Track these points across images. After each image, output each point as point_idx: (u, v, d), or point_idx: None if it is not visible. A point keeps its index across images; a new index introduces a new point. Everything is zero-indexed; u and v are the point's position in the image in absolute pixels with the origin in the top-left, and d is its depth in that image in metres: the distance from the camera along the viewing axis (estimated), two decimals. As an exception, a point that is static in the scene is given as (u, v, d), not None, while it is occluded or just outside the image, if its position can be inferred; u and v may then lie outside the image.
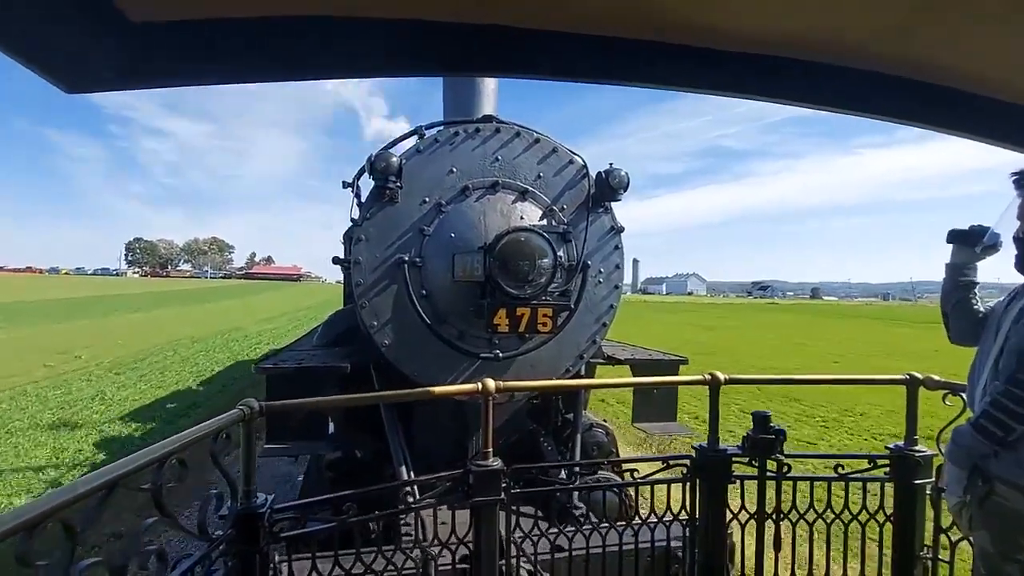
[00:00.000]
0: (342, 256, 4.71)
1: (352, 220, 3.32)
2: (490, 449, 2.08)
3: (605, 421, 3.63)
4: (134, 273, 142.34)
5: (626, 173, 3.15)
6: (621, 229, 3.26)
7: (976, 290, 1.98)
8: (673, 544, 2.38)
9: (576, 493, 2.83)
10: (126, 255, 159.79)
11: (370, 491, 2.04)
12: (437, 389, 2.28)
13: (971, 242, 1.93)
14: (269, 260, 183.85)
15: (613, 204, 3.25)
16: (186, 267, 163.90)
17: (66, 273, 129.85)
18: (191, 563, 1.48)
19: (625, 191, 3.17)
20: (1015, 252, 1.77)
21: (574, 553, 2.25)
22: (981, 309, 1.96)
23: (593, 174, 3.21)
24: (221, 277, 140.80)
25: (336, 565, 1.90)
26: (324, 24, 1.22)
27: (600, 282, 3.22)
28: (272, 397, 2.70)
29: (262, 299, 44.29)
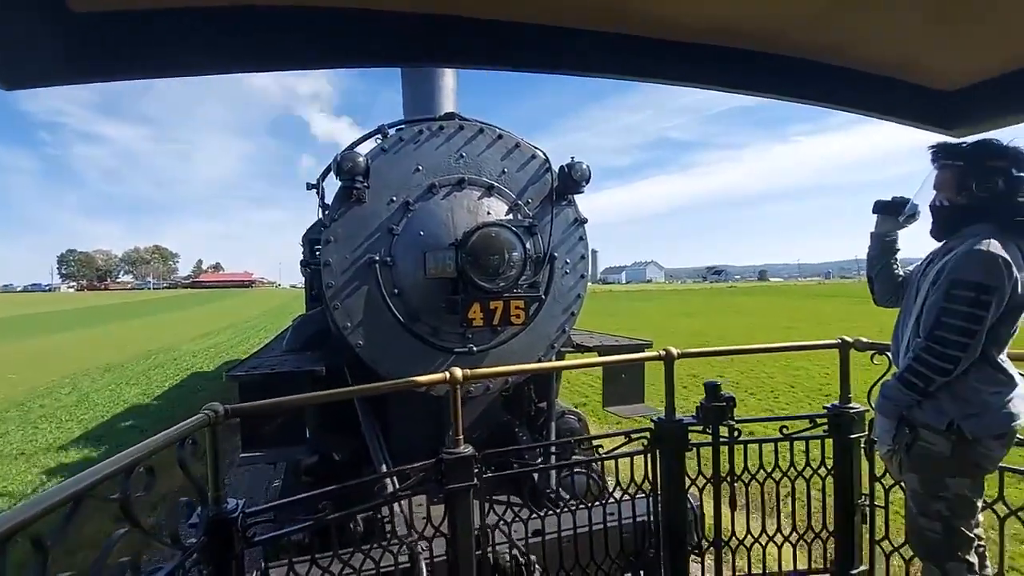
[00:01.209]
0: (303, 258, 4.67)
1: (320, 221, 3.31)
2: (460, 436, 2.13)
3: (577, 408, 3.76)
4: (69, 287, 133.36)
5: (587, 166, 3.26)
6: (584, 220, 3.38)
7: (897, 256, 2.19)
8: (646, 517, 2.52)
9: (554, 478, 2.95)
10: (59, 268, 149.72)
11: (344, 488, 2.03)
12: (406, 380, 2.31)
13: (894, 211, 2.13)
14: (217, 267, 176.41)
15: (576, 196, 3.37)
16: (127, 279, 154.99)
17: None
18: (165, 573, 1.46)
19: (587, 183, 3.29)
20: (931, 220, 1.96)
21: (551, 536, 2.34)
22: (901, 273, 2.17)
23: (555, 168, 3.32)
24: (165, 287, 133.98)
25: (313, 565, 1.89)
26: (273, 14, 1.21)
27: (567, 272, 3.34)
28: None
29: (206, 310, 40.79)
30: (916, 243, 2.18)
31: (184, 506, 1.63)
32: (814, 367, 10.08)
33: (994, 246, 1.72)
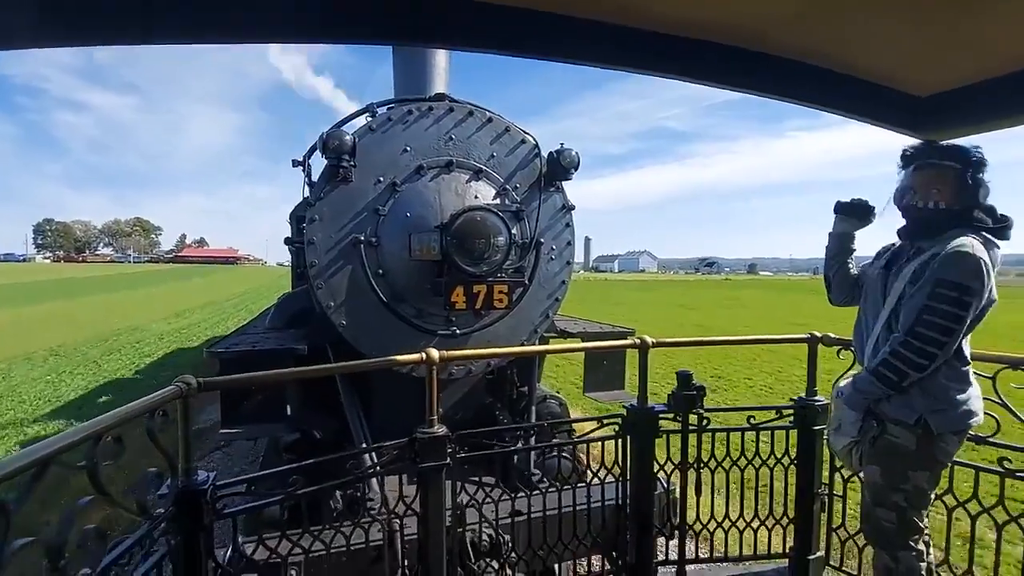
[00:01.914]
0: (289, 236, 4.68)
1: (305, 199, 3.32)
2: (435, 416, 2.17)
3: (558, 392, 3.85)
4: (44, 258, 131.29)
5: (576, 153, 3.30)
6: (572, 207, 3.43)
7: (853, 256, 2.28)
8: (618, 500, 2.62)
9: (532, 460, 3.04)
10: (35, 238, 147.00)
11: (318, 464, 2.05)
12: (384, 360, 2.36)
13: (855, 213, 2.20)
14: (202, 242, 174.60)
15: (564, 183, 3.41)
16: (107, 251, 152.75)
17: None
18: (131, 542, 1.47)
19: (576, 170, 3.33)
20: (911, 220, 1.99)
21: (527, 516, 2.43)
22: (855, 271, 2.26)
23: (544, 154, 3.35)
24: (147, 261, 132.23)
25: (283, 540, 1.93)
26: None
27: (552, 259, 3.40)
28: None
29: (185, 287, 39.18)
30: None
31: (153, 476, 1.63)
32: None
33: (978, 249, 1.79)
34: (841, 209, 2.23)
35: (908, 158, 1.96)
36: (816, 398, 2.70)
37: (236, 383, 2.48)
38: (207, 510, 1.70)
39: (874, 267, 2.14)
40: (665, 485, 2.65)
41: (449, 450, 2.17)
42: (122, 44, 1.28)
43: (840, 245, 2.27)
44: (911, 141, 1.86)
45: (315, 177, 3.15)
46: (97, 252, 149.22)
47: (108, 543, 1.36)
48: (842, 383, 2.23)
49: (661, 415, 2.56)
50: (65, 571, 1.16)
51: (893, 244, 2.15)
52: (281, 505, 2.06)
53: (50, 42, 1.16)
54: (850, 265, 2.27)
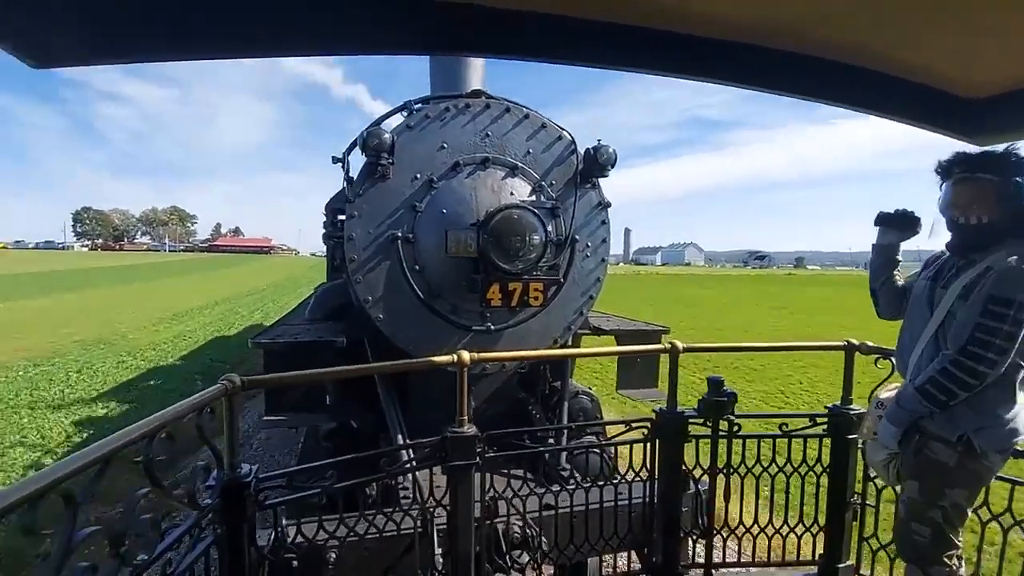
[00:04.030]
0: (324, 228, 4.95)
1: (341, 191, 3.54)
2: (465, 417, 2.32)
3: (591, 389, 3.99)
4: (82, 246, 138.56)
5: (614, 150, 3.40)
6: (608, 204, 3.53)
7: (898, 268, 2.29)
8: (646, 500, 2.73)
9: (564, 456, 3.20)
10: (74, 226, 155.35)
11: (355, 459, 2.25)
12: (415, 361, 2.54)
13: (900, 226, 2.22)
14: (236, 232, 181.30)
15: (600, 180, 3.52)
16: (144, 240, 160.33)
17: (3, 247, 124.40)
18: (181, 531, 1.63)
19: (612, 167, 3.43)
20: (958, 235, 2.00)
21: (557, 511, 2.58)
22: (902, 285, 2.26)
23: (580, 149, 3.47)
24: (182, 250, 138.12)
25: (320, 528, 2.14)
26: None
27: (588, 256, 3.52)
28: (268, 371, 2.96)
29: (206, 278, 39.11)
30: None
31: (202, 470, 1.80)
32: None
33: None
34: (883, 220, 2.24)
35: (944, 171, 1.98)
36: (851, 407, 2.74)
37: (276, 382, 2.68)
38: (250, 502, 1.90)
39: (921, 278, 2.15)
40: (698, 486, 2.76)
41: (479, 449, 2.33)
42: (159, 60, 1.41)
43: (885, 258, 2.28)
44: (959, 145, 1.86)
45: (354, 173, 3.36)
46: (135, 241, 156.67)
47: (161, 531, 1.53)
48: (883, 395, 2.24)
49: (691, 420, 2.66)
50: (126, 557, 1.33)
51: (942, 253, 2.15)
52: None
53: (86, 61, 1.28)
54: (896, 277, 2.28)
